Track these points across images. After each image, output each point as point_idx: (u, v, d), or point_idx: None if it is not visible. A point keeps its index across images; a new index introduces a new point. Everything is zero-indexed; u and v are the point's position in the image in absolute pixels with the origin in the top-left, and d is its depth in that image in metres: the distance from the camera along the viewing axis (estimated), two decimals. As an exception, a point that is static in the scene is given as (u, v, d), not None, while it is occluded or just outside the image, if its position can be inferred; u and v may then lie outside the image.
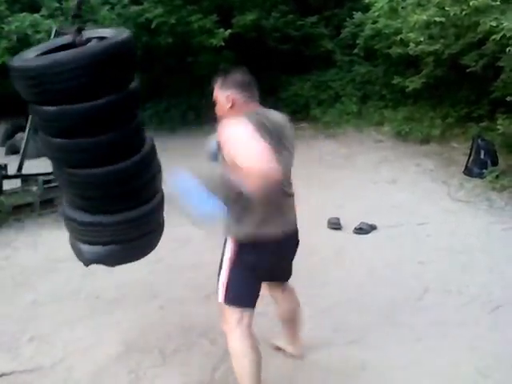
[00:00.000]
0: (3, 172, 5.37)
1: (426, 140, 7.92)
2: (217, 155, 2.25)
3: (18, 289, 3.78)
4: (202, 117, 8.53)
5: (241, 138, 2.07)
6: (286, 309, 2.72)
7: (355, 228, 4.89)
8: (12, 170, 5.57)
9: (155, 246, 2.86)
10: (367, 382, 2.67)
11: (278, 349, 2.89)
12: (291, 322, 2.77)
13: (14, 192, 5.45)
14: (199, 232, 4.73)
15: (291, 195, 2.42)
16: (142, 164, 2.58)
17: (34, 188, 5.47)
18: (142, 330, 3.16)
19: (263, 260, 2.34)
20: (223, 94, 2.33)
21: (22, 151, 5.78)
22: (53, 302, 3.56)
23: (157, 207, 2.75)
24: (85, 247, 2.61)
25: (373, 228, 4.93)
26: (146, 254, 2.86)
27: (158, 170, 2.73)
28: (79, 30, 2.40)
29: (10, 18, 8.48)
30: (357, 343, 2.97)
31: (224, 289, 2.32)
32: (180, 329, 3.17)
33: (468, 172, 6.54)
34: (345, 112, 9.25)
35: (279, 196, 2.31)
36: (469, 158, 6.66)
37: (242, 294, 2.33)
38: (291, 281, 2.66)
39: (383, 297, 3.54)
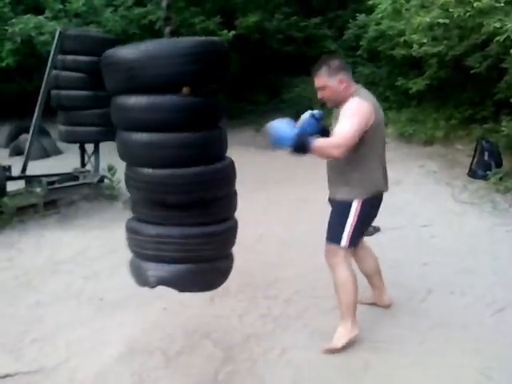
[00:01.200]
0: (7, 173, 5.40)
1: (429, 141, 7.91)
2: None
3: (22, 290, 3.79)
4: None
5: (353, 111, 2.56)
6: (369, 264, 3.22)
7: (358, 230, 4.87)
8: (16, 171, 5.59)
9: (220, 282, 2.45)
10: (370, 383, 2.66)
11: (371, 304, 3.33)
12: (376, 274, 3.25)
13: (17, 193, 5.47)
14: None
15: None
16: (225, 172, 2.32)
17: (38, 189, 5.49)
18: (145, 331, 3.16)
19: (376, 212, 2.92)
20: (334, 80, 2.67)
21: (26, 152, 5.81)
22: (56, 303, 3.56)
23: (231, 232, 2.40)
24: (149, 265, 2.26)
25: (376, 230, 4.91)
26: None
27: (235, 191, 2.42)
28: (172, 33, 2.36)
29: (13, 20, 8.51)
30: (360, 344, 2.96)
31: (349, 237, 2.81)
32: (183, 331, 3.16)
33: (472, 174, 6.52)
34: (348, 113, 9.25)
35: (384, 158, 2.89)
36: (473, 160, 6.64)
37: (357, 239, 2.92)
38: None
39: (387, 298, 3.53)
